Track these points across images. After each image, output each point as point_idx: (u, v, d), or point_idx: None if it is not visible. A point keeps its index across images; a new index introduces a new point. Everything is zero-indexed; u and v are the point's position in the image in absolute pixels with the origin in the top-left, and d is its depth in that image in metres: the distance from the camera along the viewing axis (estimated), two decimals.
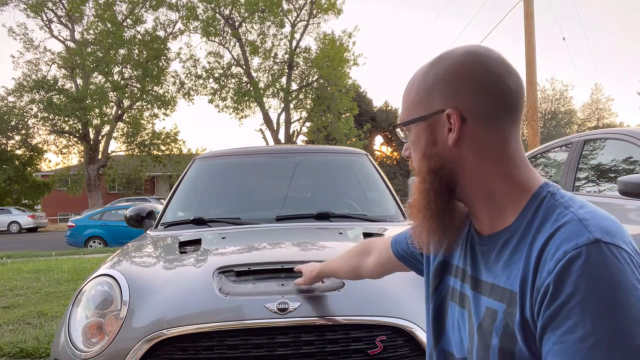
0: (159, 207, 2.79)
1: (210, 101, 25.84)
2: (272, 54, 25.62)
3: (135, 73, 24.69)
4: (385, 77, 76.33)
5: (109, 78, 23.75)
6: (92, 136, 24.75)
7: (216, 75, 25.47)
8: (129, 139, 25.78)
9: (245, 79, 25.74)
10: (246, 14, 24.52)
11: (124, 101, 24.97)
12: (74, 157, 26.27)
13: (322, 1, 25.06)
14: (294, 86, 26.25)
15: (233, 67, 25.96)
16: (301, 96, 26.62)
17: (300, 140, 27.92)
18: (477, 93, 0.72)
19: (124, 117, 25.38)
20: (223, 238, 2.07)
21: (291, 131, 26.36)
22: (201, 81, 25.77)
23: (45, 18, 24.11)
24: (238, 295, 1.46)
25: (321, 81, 25.19)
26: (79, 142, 24.88)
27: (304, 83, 26.33)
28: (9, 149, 25.35)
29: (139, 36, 24.67)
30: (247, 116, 26.36)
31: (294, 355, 1.36)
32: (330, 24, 75.96)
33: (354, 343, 1.38)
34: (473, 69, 0.72)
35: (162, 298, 1.51)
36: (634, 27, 68.46)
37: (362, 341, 1.38)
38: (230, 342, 1.36)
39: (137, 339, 1.39)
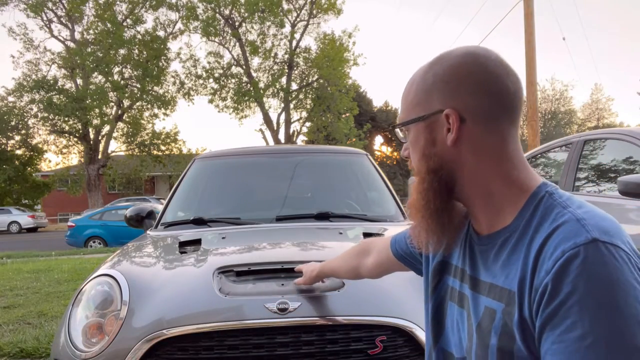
0: (159, 207, 2.79)
1: (210, 101, 25.85)
2: (272, 54, 25.63)
3: (135, 73, 24.70)
4: (385, 77, 76.39)
5: (109, 78, 23.75)
6: (92, 136, 24.75)
7: (216, 75, 25.48)
8: (129, 139, 25.78)
9: (245, 79, 25.74)
10: (246, 14, 24.52)
11: (124, 101, 24.97)
12: (74, 157, 26.32)
13: (322, 1, 25.06)
14: (294, 86, 26.26)
15: (233, 67, 25.97)
16: (301, 96, 26.62)
17: (300, 140, 27.92)
18: (475, 93, 0.72)
19: (124, 117, 25.39)
20: (223, 238, 2.07)
21: (291, 131, 26.36)
22: (201, 81, 25.79)
23: (45, 18, 24.14)
24: (238, 295, 1.46)
25: (321, 81, 25.19)
26: (79, 142, 24.88)
27: (304, 83, 26.34)
28: (9, 149, 25.35)
29: (139, 36, 24.67)
30: (247, 116, 26.39)
31: (294, 355, 1.36)
32: (330, 24, 76.10)
33: (354, 343, 1.38)
34: (472, 69, 0.73)
35: (162, 298, 1.51)
36: (634, 27, 68.50)
37: (362, 341, 1.38)
38: (230, 342, 1.36)
39: (137, 339, 1.39)
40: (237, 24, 25.18)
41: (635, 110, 61.52)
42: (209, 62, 25.58)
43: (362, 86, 39.11)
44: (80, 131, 24.25)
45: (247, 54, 25.21)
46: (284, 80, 25.76)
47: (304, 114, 27.04)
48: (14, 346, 3.28)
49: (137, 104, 25.52)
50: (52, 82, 23.72)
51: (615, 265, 0.59)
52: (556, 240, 0.63)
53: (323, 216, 2.35)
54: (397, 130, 0.84)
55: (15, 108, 23.92)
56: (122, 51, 24.02)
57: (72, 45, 24.29)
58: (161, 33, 25.24)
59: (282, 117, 26.32)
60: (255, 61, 25.97)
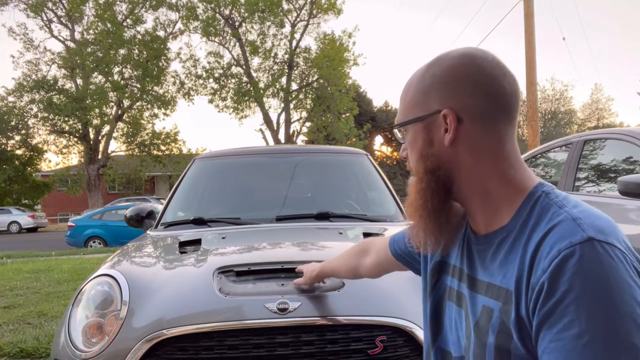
0: (159, 207, 2.79)
1: (210, 101, 25.85)
2: (272, 54, 25.63)
3: (135, 73, 24.70)
4: (385, 77, 76.33)
5: (109, 78, 23.75)
6: (92, 136, 24.75)
7: (216, 75, 25.48)
8: (129, 139, 25.78)
9: (245, 79, 25.74)
10: (246, 14, 24.52)
11: (124, 101, 24.97)
12: (74, 157, 26.32)
13: (322, 1, 25.06)
14: (294, 86, 26.26)
15: (233, 67, 25.97)
16: (301, 96, 26.62)
17: (300, 140, 27.93)
18: (473, 94, 0.73)
19: (124, 117, 25.39)
20: (223, 238, 2.07)
21: (291, 131, 26.36)
22: (201, 81, 25.79)
23: (45, 18, 24.14)
24: (238, 295, 1.47)
25: (321, 81, 25.18)
26: (79, 142, 24.88)
27: (304, 83, 26.34)
28: (9, 149, 25.35)
29: (139, 36, 24.67)
30: (247, 116, 26.39)
31: (294, 355, 1.36)
32: (330, 24, 76.03)
33: (354, 343, 1.38)
34: (469, 70, 0.74)
35: (162, 298, 1.51)
36: (634, 27, 68.51)
37: (362, 341, 1.38)
38: (230, 342, 1.36)
39: (137, 339, 1.39)
40: (237, 24, 25.18)
41: (635, 110, 61.57)
42: (209, 62, 25.61)
43: (362, 86, 39.16)
44: (80, 131, 24.25)
45: (247, 54, 25.21)
46: (284, 80, 25.77)
47: (304, 114, 27.04)
48: (14, 346, 3.28)
49: (137, 104, 25.52)
50: (52, 82, 23.72)
51: (611, 264, 0.60)
52: (552, 240, 0.64)
53: (323, 216, 2.35)
54: (396, 131, 0.85)
55: (15, 108, 23.93)
56: (122, 51, 24.02)
57: (72, 45, 24.30)
58: (161, 33, 25.27)
59: (282, 117, 26.35)
60: (255, 61, 26.01)
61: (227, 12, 24.90)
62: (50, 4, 23.87)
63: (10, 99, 23.82)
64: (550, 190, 0.72)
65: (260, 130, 25.84)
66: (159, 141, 25.88)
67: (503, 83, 0.74)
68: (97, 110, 23.31)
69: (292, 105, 26.48)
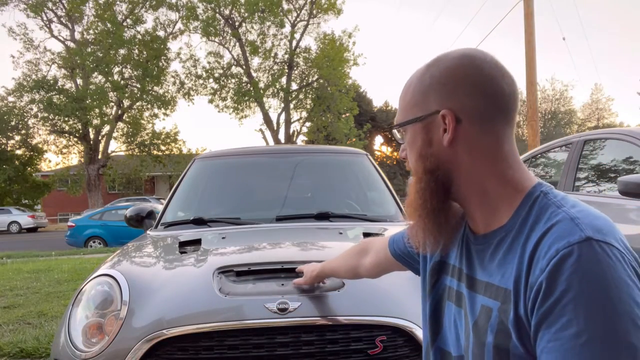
0: (159, 207, 2.79)
1: (210, 101, 25.85)
2: (272, 54, 25.63)
3: (135, 73, 24.70)
4: (385, 77, 76.30)
5: (109, 78, 23.75)
6: (92, 136, 24.75)
7: (216, 75, 25.48)
8: (129, 139, 25.79)
9: (245, 79, 25.74)
10: (246, 14, 24.52)
11: (124, 101, 24.97)
12: (74, 157, 26.32)
13: (322, 1, 25.06)
14: (294, 86, 26.26)
15: (233, 67, 25.97)
16: (301, 96, 26.62)
17: (300, 140, 27.93)
18: (471, 95, 0.74)
19: (124, 117, 25.39)
20: (223, 238, 2.07)
21: (291, 131, 26.36)
22: (201, 81, 25.79)
23: (45, 18, 24.14)
24: (238, 295, 1.46)
25: (321, 81, 25.19)
26: (79, 142, 24.89)
27: (304, 83, 26.34)
28: (9, 149, 25.35)
29: (139, 36, 24.67)
30: (247, 116, 26.39)
31: (294, 355, 1.36)
32: (330, 24, 76.01)
33: (354, 343, 1.38)
34: (468, 71, 0.74)
35: (162, 298, 1.51)
36: (634, 27, 68.51)
37: (362, 341, 1.38)
38: (230, 342, 1.36)
39: (137, 339, 1.39)
40: (237, 24, 25.18)
41: (635, 110, 61.55)
42: (209, 62, 25.61)
43: (362, 86, 39.15)
44: (80, 131, 24.25)
45: (247, 54, 25.21)
46: (284, 80, 25.76)
47: (304, 114, 27.04)
48: (14, 346, 3.28)
49: (137, 104, 25.52)
50: (52, 82, 23.72)
51: (608, 263, 0.60)
52: (550, 239, 0.64)
53: (323, 216, 2.35)
54: (395, 131, 0.85)
55: (15, 108, 23.93)
56: (122, 51, 24.02)
57: (72, 45, 24.29)
58: (161, 33, 25.27)
59: (282, 117, 26.35)
60: (255, 61, 26.01)
61: (227, 12, 24.90)
62: (50, 4, 23.87)
63: (10, 99, 23.85)
64: (548, 190, 0.73)
65: (260, 130, 25.87)
66: (159, 141, 25.88)
67: (501, 84, 0.74)
68: (97, 110, 23.31)
69: (292, 105, 26.48)
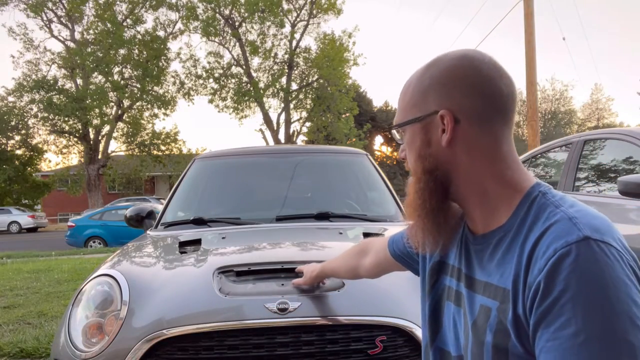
0: (159, 207, 2.79)
1: (210, 101, 25.85)
2: (272, 54, 25.63)
3: (135, 73, 24.70)
4: (385, 77, 76.29)
5: (109, 78, 23.75)
6: (92, 136, 24.75)
7: (216, 75, 25.47)
8: (129, 139, 25.79)
9: (245, 79, 25.74)
10: (246, 14, 24.52)
11: (124, 101, 24.98)
12: (74, 157, 26.32)
13: (322, 1, 25.05)
14: (294, 86, 26.26)
15: (233, 67, 25.97)
16: (301, 96, 26.61)
17: (300, 140, 27.92)
18: (470, 95, 0.74)
19: (124, 117, 25.39)
20: (223, 238, 2.07)
21: (291, 131, 26.36)
22: (201, 81, 25.79)
23: (45, 18, 24.14)
24: (238, 295, 1.46)
25: (321, 81, 25.18)
26: (79, 142, 24.89)
27: (304, 83, 26.33)
28: (9, 149, 25.35)
29: (139, 36, 24.67)
30: (247, 116, 26.39)
31: (294, 355, 1.36)
32: (330, 24, 76.03)
33: (354, 343, 1.38)
34: (467, 72, 0.75)
35: (162, 298, 1.51)
36: (634, 27, 68.50)
37: (362, 341, 1.38)
38: (230, 342, 1.36)
39: (137, 339, 1.39)
40: (237, 24, 25.18)
41: (635, 110, 61.55)
42: (209, 62, 25.61)
43: (362, 86, 39.16)
44: (80, 131, 24.25)
45: (247, 54, 25.21)
46: (284, 80, 25.76)
47: (304, 114, 27.04)
48: (14, 346, 3.28)
49: (137, 104, 25.52)
50: (52, 82, 23.72)
51: (606, 263, 0.60)
52: (549, 239, 0.64)
53: (323, 216, 2.35)
54: (394, 131, 0.86)
55: (15, 108, 23.93)
56: (122, 51, 24.02)
57: (72, 45, 24.29)
58: (161, 33, 25.27)
59: (282, 117, 26.34)
60: (255, 61, 26.01)
61: (227, 12, 24.90)
62: (50, 4, 23.87)
63: (10, 99, 23.85)
64: (547, 190, 0.73)
65: (260, 130, 25.87)
66: (159, 141, 25.88)
67: (500, 84, 0.74)
68: (97, 110, 23.31)
69: (292, 105, 26.48)
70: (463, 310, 0.80)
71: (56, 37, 24.71)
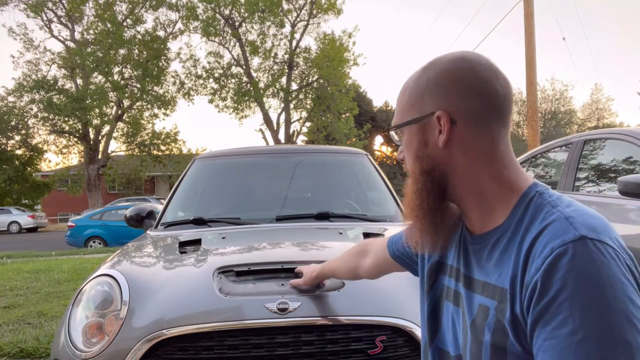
0: (159, 207, 2.79)
1: (210, 101, 25.84)
2: (272, 54, 25.63)
3: (135, 73, 24.70)
4: (385, 77, 76.26)
5: (109, 78, 23.75)
6: (92, 136, 24.75)
7: (216, 75, 25.47)
8: (129, 139, 25.79)
9: (245, 79, 25.74)
10: (246, 14, 24.52)
11: (124, 101, 24.98)
12: (74, 157, 26.32)
13: (322, 1, 25.05)
14: (294, 86, 26.25)
15: (233, 67, 25.97)
16: (301, 96, 26.61)
17: (300, 140, 27.92)
18: (466, 96, 0.75)
19: (124, 117, 25.39)
20: (223, 238, 2.07)
21: (291, 131, 26.36)
22: (201, 81, 25.79)
23: (45, 18, 24.14)
24: (238, 295, 1.46)
25: (321, 81, 25.18)
26: (79, 142, 24.89)
27: (304, 83, 26.33)
28: (9, 149, 25.35)
29: (139, 36, 24.67)
30: (247, 116, 26.39)
31: (294, 355, 1.36)
32: (330, 24, 76.07)
33: (354, 343, 1.38)
34: (463, 74, 0.76)
35: (162, 298, 1.51)
36: (634, 27, 68.50)
37: (362, 341, 1.38)
38: (230, 342, 1.36)
39: (137, 339, 1.39)
40: (237, 24, 25.18)
41: (635, 110, 61.54)
42: (209, 62, 25.61)
43: (362, 86, 39.18)
44: (80, 131, 24.25)
45: (247, 54, 25.21)
46: (284, 80, 25.76)
47: (304, 114, 27.04)
48: (14, 346, 3.28)
49: (137, 104, 25.52)
50: (52, 82, 23.72)
51: (603, 262, 0.61)
52: (545, 239, 0.65)
53: (323, 216, 2.35)
54: (392, 133, 0.87)
55: (15, 108, 23.92)
56: (122, 51, 24.02)
57: (72, 45, 24.30)
58: (161, 33, 25.27)
59: (282, 117, 26.34)
60: (255, 61, 26.01)
61: (227, 12, 24.90)
62: (50, 4, 23.87)
63: (10, 99, 23.85)
64: (544, 190, 0.74)
65: (260, 130, 25.87)
66: (159, 141, 25.88)
67: (496, 85, 0.75)
68: (97, 110, 23.31)
69: (292, 105, 26.48)
70: (462, 310, 0.80)
71: (56, 37, 24.72)
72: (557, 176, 3.84)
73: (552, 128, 38.96)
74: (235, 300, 1.45)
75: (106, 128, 25.14)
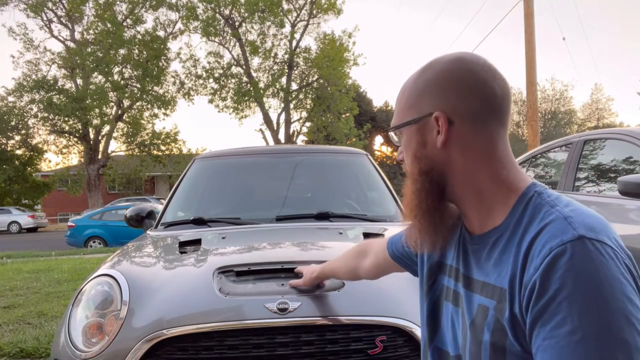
0: (159, 207, 2.79)
1: (210, 101, 25.84)
2: (272, 54, 25.63)
3: (135, 73, 24.70)
4: (385, 77, 76.27)
5: (109, 78, 23.76)
6: (92, 136, 24.76)
7: (216, 75, 25.47)
8: (129, 139, 25.79)
9: (245, 79, 25.74)
10: (246, 14, 24.52)
11: (124, 101, 24.98)
12: (74, 157, 26.32)
13: (322, 1, 25.05)
14: (294, 86, 26.25)
15: (233, 67, 25.97)
16: (301, 96, 26.61)
17: (300, 140, 27.92)
18: (464, 97, 0.75)
19: (124, 117, 25.39)
20: (223, 238, 2.07)
21: (291, 131, 26.36)
22: (201, 81, 25.79)
23: (45, 18, 24.14)
24: (238, 295, 1.46)
25: (321, 81, 25.18)
26: (79, 142, 24.89)
27: (304, 83, 26.33)
28: (9, 149, 25.35)
29: (139, 36, 24.68)
30: (247, 116, 26.39)
31: (294, 355, 1.36)
32: (330, 24, 76.02)
33: (354, 343, 1.38)
34: (461, 74, 0.76)
35: (162, 298, 1.51)
36: (634, 27, 68.50)
37: (362, 341, 1.38)
38: (230, 342, 1.36)
39: (137, 339, 1.39)
40: (237, 24, 25.18)
41: (635, 110, 61.53)
42: (209, 62, 25.61)
43: (362, 86, 39.17)
44: (80, 131, 24.26)
45: (247, 54, 25.21)
46: (284, 80, 25.76)
47: (304, 114, 27.04)
48: (14, 346, 3.28)
49: (137, 104, 25.52)
50: (52, 82, 23.72)
51: (601, 261, 0.61)
52: (544, 239, 0.65)
53: (323, 216, 2.35)
54: (392, 134, 0.87)
55: (15, 108, 23.92)
56: (122, 51, 24.02)
57: (72, 45, 24.30)
58: (161, 33, 25.28)
59: (282, 117, 26.34)
60: (255, 61, 26.01)
61: (227, 12, 24.90)
62: (50, 4, 23.87)
63: (10, 99, 23.84)
64: (542, 190, 0.74)
65: (260, 130, 25.87)
66: (159, 141, 25.88)
67: (493, 86, 0.75)
68: (97, 110, 23.31)
69: (292, 105, 26.47)
70: (461, 310, 0.80)
71: (56, 37, 24.73)
72: (557, 176, 3.84)
73: (552, 128, 38.95)
74: (235, 300, 1.45)
75: (106, 128, 25.14)
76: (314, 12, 25.39)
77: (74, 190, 25.67)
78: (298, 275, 1.51)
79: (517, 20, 10.37)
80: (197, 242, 1.99)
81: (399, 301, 1.48)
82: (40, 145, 26.07)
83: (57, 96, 23.38)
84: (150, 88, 24.86)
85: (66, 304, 4.07)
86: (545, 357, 0.61)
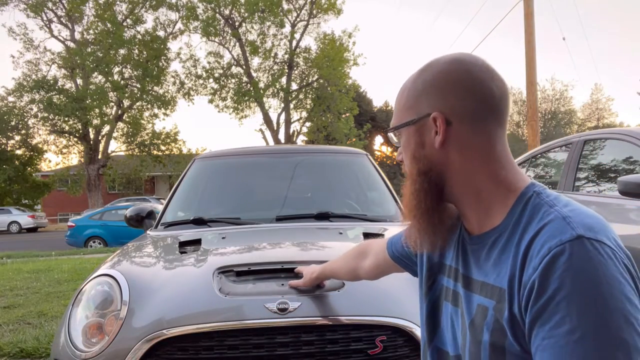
0: (159, 207, 2.79)
1: (210, 101, 25.85)
2: (272, 54, 25.63)
3: (135, 73, 24.71)
4: (385, 77, 76.27)
5: (109, 78, 23.76)
6: (92, 136, 24.76)
7: (216, 75, 25.48)
8: (129, 139, 25.79)
9: (245, 79, 25.74)
10: (246, 14, 24.52)
11: (124, 101, 24.98)
12: (74, 157, 26.33)
13: (322, 1, 25.06)
14: (294, 86, 26.26)
15: (233, 67, 25.98)
16: (301, 96, 26.62)
17: (300, 140, 27.92)
18: (462, 98, 0.75)
19: (124, 117, 25.39)
20: (223, 238, 2.07)
21: (291, 131, 26.36)
22: (201, 81, 25.80)
23: (45, 18, 24.15)
24: (238, 295, 1.47)
25: (321, 81, 25.19)
26: (79, 142, 24.89)
27: (304, 83, 26.34)
28: (9, 149, 25.35)
29: (139, 36, 24.68)
30: (247, 116, 26.39)
31: (294, 355, 1.36)
32: (330, 24, 76.00)
33: (354, 343, 1.38)
34: (459, 75, 0.76)
35: (162, 298, 1.51)
36: (634, 27, 68.50)
37: (362, 341, 1.38)
38: (230, 342, 1.36)
39: (137, 339, 1.39)
40: (237, 24, 25.18)
41: (635, 110, 61.54)
42: (209, 62, 25.61)
43: (362, 86, 39.18)
44: (80, 131, 24.26)
45: (247, 54, 25.21)
46: (284, 80, 25.76)
47: (304, 114, 27.04)
48: (14, 346, 3.28)
49: (137, 104, 25.52)
50: (52, 82, 23.73)
51: (600, 261, 0.61)
52: (543, 238, 0.65)
53: (323, 216, 2.35)
54: (391, 134, 0.87)
55: (15, 108, 23.93)
56: (122, 51, 24.03)
57: (72, 45, 24.30)
58: (161, 33, 25.28)
59: (282, 117, 26.35)
60: (255, 61, 26.01)
61: (227, 12, 24.90)
62: (50, 4, 23.88)
63: (10, 99, 23.85)
64: (541, 190, 0.74)
65: (260, 130, 25.87)
66: (159, 141, 25.88)
67: (491, 86, 0.76)
68: (97, 110, 23.31)
69: (292, 105, 26.48)
70: (460, 310, 0.80)
71: (56, 37, 24.73)
72: (557, 176, 3.84)
73: (552, 128, 38.94)
74: (235, 300, 1.45)
75: (106, 128, 25.14)
76: (314, 12, 25.40)
77: (74, 190, 25.67)
78: (298, 276, 1.51)
79: (517, 20, 10.38)
80: (197, 242, 1.99)
81: (398, 301, 1.48)
82: (40, 145, 26.08)
83: (57, 96, 23.38)
84: (150, 88, 24.87)
85: (66, 304, 4.07)
86: (544, 356, 0.61)
